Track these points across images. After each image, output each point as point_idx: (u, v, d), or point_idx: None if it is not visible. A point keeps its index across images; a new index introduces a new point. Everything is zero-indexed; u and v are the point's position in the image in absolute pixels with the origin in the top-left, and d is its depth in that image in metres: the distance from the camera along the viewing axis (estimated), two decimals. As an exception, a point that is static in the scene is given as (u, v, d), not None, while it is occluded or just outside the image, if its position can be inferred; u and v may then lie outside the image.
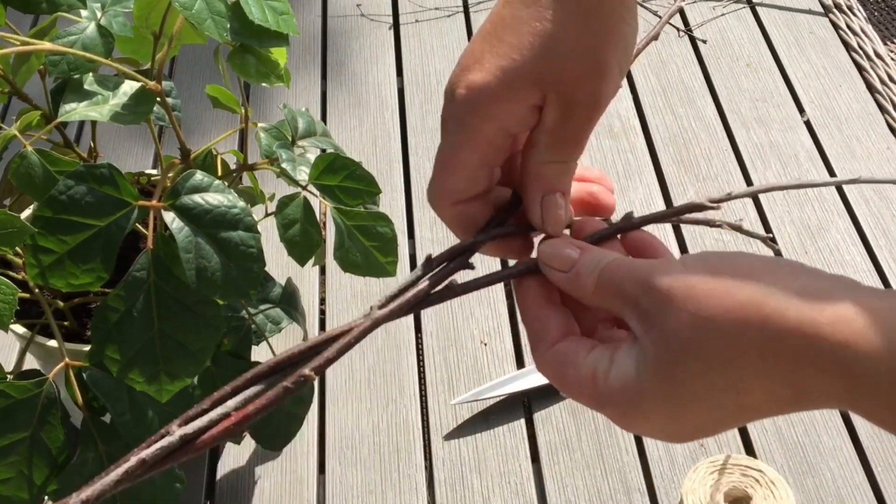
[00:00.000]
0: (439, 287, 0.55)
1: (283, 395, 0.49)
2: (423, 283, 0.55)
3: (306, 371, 0.49)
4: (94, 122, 0.98)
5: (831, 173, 1.39)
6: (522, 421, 1.11)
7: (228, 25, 0.83)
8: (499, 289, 1.25)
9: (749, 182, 1.38)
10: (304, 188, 0.88)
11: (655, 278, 0.50)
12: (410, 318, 1.22)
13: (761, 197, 1.36)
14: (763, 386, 0.47)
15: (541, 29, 0.52)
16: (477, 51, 0.54)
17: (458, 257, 0.57)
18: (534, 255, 0.57)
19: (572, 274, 0.54)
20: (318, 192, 0.88)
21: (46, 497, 0.82)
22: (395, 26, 1.67)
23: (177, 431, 0.47)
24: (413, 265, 1.28)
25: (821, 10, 1.67)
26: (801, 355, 0.45)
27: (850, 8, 1.65)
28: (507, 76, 0.53)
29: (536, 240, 0.58)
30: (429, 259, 0.56)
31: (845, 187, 1.37)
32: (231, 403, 0.49)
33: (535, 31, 0.52)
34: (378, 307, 0.54)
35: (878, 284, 1.25)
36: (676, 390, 0.49)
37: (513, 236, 0.58)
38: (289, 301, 1.01)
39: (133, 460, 0.46)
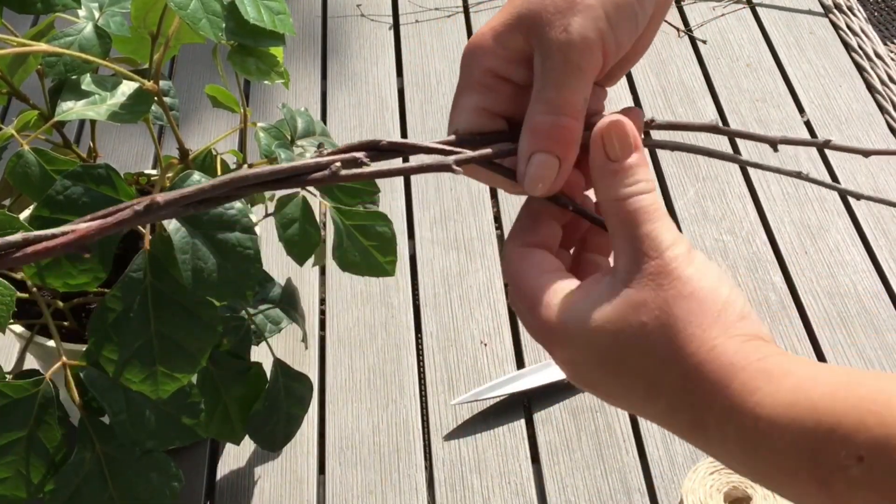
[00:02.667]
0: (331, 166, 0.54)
1: (133, 217, 0.50)
2: (306, 162, 0.54)
3: (155, 196, 0.50)
4: (93, 123, 0.98)
5: (831, 173, 1.39)
6: (522, 421, 1.11)
7: (224, 25, 0.83)
8: (499, 289, 1.25)
9: (749, 182, 1.38)
10: (303, 188, 0.88)
11: (675, 251, 0.51)
12: (411, 318, 1.22)
13: (761, 197, 1.36)
14: (670, 397, 0.49)
15: None
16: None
17: (362, 150, 0.55)
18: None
19: (617, 166, 0.53)
20: (316, 192, 0.88)
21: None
22: (395, 26, 1.67)
23: (20, 234, 0.49)
24: (413, 265, 1.28)
25: (821, 10, 1.66)
26: (711, 392, 0.48)
27: (850, 8, 1.65)
28: (494, 24, 0.56)
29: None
30: (320, 146, 0.55)
31: (846, 188, 1.36)
32: (83, 226, 0.50)
33: None
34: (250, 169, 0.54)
35: (878, 284, 1.24)
36: (611, 347, 0.50)
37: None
38: (288, 301, 1.01)
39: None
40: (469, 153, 0.56)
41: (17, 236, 0.48)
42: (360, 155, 0.54)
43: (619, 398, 0.52)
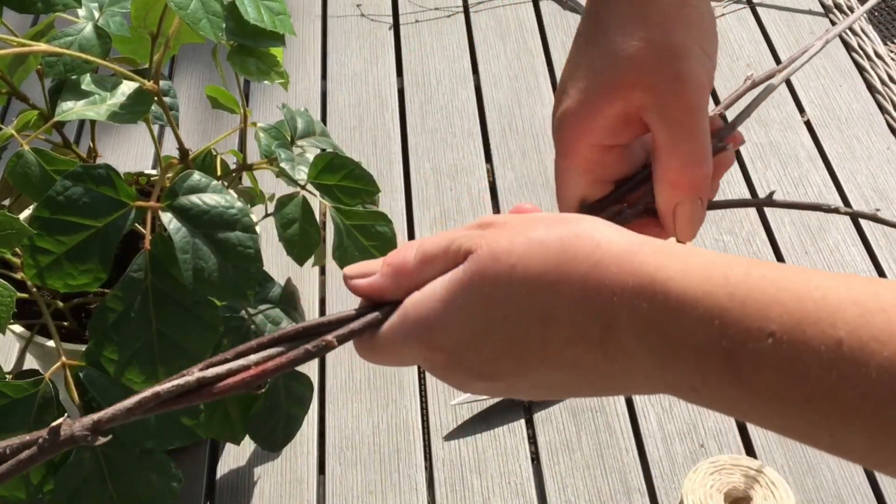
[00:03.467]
0: None
1: (304, 357, 0.50)
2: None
3: (329, 337, 0.50)
4: (93, 123, 0.98)
5: (831, 173, 1.39)
6: (522, 421, 1.11)
7: (224, 25, 0.83)
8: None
9: (749, 182, 1.38)
10: (303, 187, 0.88)
11: (497, 217, 0.50)
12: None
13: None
14: (574, 317, 0.46)
15: (607, 42, 0.55)
16: (562, 85, 0.57)
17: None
18: None
19: (384, 267, 0.52)
20: (316, 192, 0.88)
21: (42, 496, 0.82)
22: (395, 26, 1.67)
23: (196, 373, 0.48)
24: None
25: (821, 10, 1.66)
26: (620, 281, 0.45)
27: (850, 8, 1.65)
28: (585, 96, 0.55)
29: None
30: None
31: (846, 188, 1.37)
32: (253, 357, 0.49)
33: (602, 46, 0.55)
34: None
35: (879, 284, 1.24)
36: (487, 310, 0.48)
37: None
38: (288, 301, 1.01)
39: (148, 392, 0.47)
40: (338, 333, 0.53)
41: (193, 378, 0.48)
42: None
43: (515, 366, 0.48)
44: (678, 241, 0.56)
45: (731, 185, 1.38)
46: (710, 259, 0.44)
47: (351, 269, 0.53)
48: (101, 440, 0.46)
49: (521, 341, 0.47)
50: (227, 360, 0.49)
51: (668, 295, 0.44)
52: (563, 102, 0.56)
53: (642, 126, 0.56)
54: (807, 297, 0.41)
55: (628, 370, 0.46)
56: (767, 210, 1.34)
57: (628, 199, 0.58)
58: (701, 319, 0.43)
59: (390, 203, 1.36)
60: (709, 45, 0.55)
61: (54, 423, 0.46)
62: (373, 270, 0.53)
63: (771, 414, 0.43)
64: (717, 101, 1.51)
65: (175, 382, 0.47)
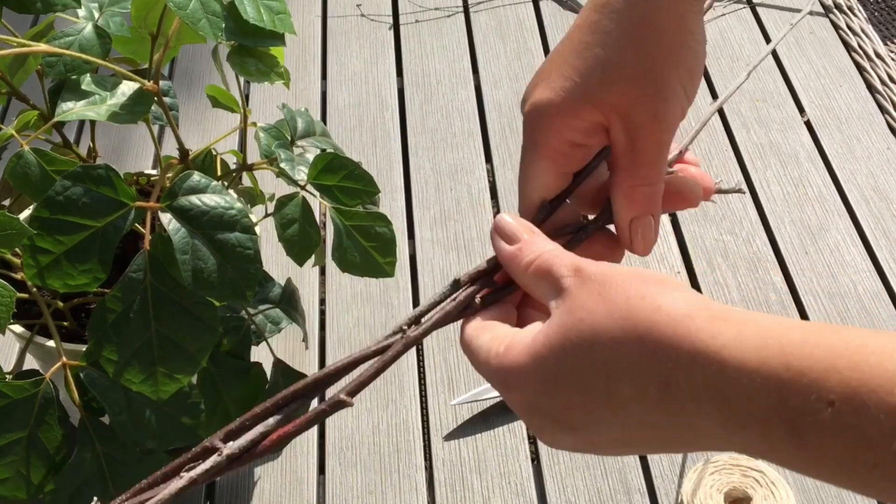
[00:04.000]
0: (465, 306, 0.56)
1: (321, 416, 0.52)
2: (450, 305, 0.56)
3: (342, 396, 0.52)
4: (93, 123, 0.98)
5: (831, 173, 1.39)
6: (522, 421, 1.11)
7: (224, 25, 0.83)
8: (499, 289, 1.25)
9: (750, 183, 1.38)
10: (303, 188, 0.88)
11: (586, 264, 0.52)
12: (410, 318, 1.22)
13: (761, 198, 1.36)
14: (633, 376, 0.48)
15: (602, 55, 0.56)
16: (546, 70, 0.58)
17: (483, 277, 0.57)
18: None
19: (515, 248, 0.56)
20: (316, 192, 0.88)
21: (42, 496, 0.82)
22: (395, 26, 1.67)
23: (224, 451, 0.49)
24: (413, 265, 1.28)
25: (821, 10, 1.66)
26: (675, 347, 0.46)
27: (850, 8, 1.65)
28: (568, 95, 0.57)
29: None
30: (456, 282, 0.57)
31: (846, 188, 1.37)
32: (271, 422, 0.51)
33: (596, 57, 0.56)
34: (407, 325, 0.55)
35: (878, 284, 1.24)
36: (558, 361, 0.50)
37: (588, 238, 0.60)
38: (288, 301, 1.01)
39: (185, 479, 0.48)
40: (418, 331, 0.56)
41: (223, 458, 0.49)
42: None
43: (584, 418, 0.51)
44: (636, 253, 0.59)
45: (732, 185, 1.38)
46: (766, 327, 0.45)
47: (507, 225, 0.57)
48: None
49: (589, 392, 0.49)
50: (246, 426, 0.51)
51: (723, 364, 0.45)
52: (542, 92, 0.58)
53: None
54: (863, 363, 0.42)
55: (695, 432, 0.48)
56: (767, 210, 1.34)
57: (582, 190, 0.60)
58: (759, 390, 0.44)
59: (390, 203, 1.36)
60: (691, 87, 0.57)
61: None
62: (514, 240, 0.57)
63: (842, 478, 0.44)
64: (714, 95, 1.51)
65: (208, 465, 0.49)
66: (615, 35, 0.56)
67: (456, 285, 0.56)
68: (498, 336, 0.54)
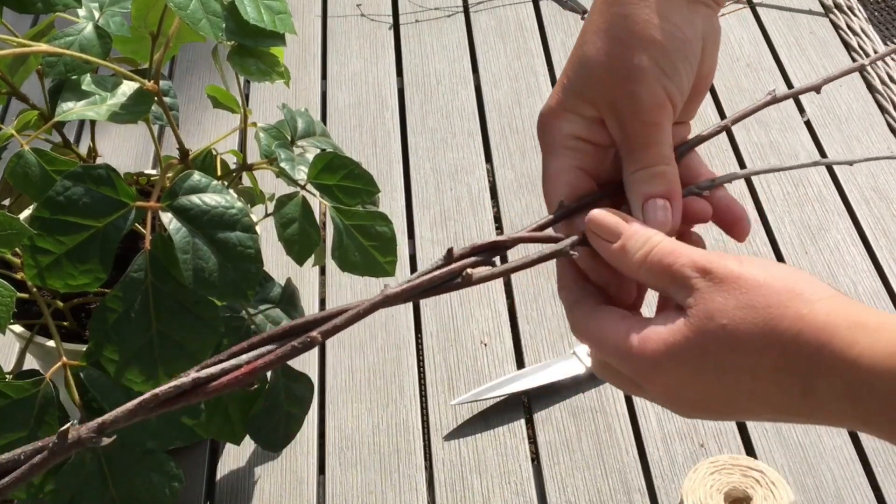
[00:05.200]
0: (454, 276, 0.57)
1: (291, 353, 0.52)
2: (439, 272, 0.56)
3: (314, 333, 0.52)
4: (93, 123, 0.98)
5: (831, 173, 1.39)
6: (522, 421, 1.11)
7: (224, 25, 0.83)
8: (499, 289, 1.25)
9: (749, 182, 1.38)
10: (303, 187, 0.88)
11: (714, 265, 0.54)
12: (411, 318, 1.22)
13: (761, 197, 1.36)
14: (776, 378, 0.51)
15: (583, 53, 0.60)
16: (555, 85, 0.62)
17: (481, 253, 0.58)
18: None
19: (619, 245, 0.57)
20: (316, 192, 0.88)
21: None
22: (395, 26, 1.67)
23: (191, 374, 0.51)
24: (413, 265, 1.28)
25: (821, 10, 1.66)
26: (815, 355, 0.50)
27: (850, 8, 1.65)
28: (563, 96, 0.60)
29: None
30: (449, 252, 0.57)
31: (846, 188, 1.37)
32: (244, 357, 0.52)
33: (580, 55, 0.60)
34: (392, 287, 0.56)
35: (878, 284, 1.24)
36: (703, 358, 0.53)
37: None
38: (288, 301, 1.01)
39: (147, 394, 0.50)
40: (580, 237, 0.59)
41: (188, 380, 0.50)
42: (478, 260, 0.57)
43: (726, 405, 0.54)
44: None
45: (731, 184, 1.37)
46: (893, 327, 0.49)
47: (602, 220, 0.58)
48: (107, 441, 0.49)
49: (732, 387, 0.53)
50: (220, 361, 0.52)
51: (859, 371, 0.49)
52: (546, 102, 0.61)
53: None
54: None
55: (831, 420, 0.52)
56: (767, 210, 1.34)
57: (603, 201, 0.61)
58: (891, 393, 0.48)
59: (390, 203, 1.36)
60: (669, 65, 0.58)
61: (62, 429, 0.48)
62: (616, 236, 0.58)
63: None
64: (715, 99, 1.51)
65: (172, 384, 0.50)
66: (592, 31, 0.59)
67: (449, 256, 0.57)
68: (625, 323, 0.56)
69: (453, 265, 0.57)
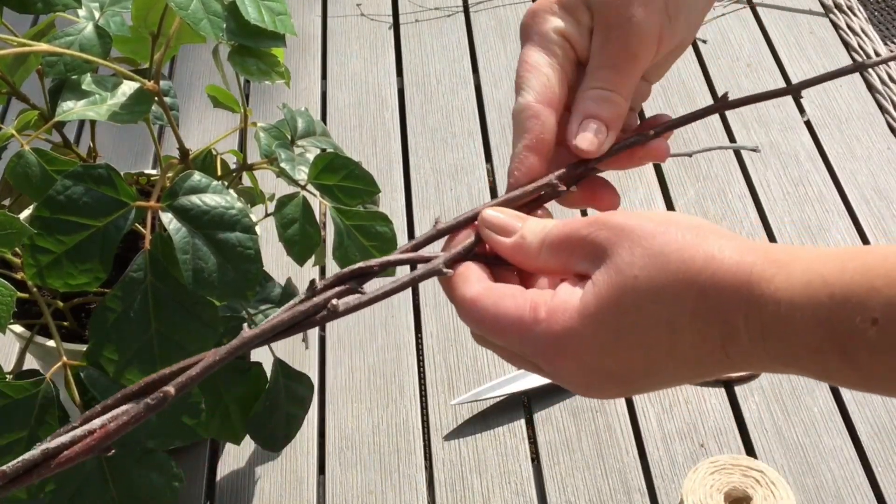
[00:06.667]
0: (320, 310, 0.55)
1: (145, 411, 0.51)
2: (302, 306, 0.55)
3: (168, 388, 0.51)
4: (93, 123, 0.98)
5: (831, 173, 1.39)
6: (522, 421, 1.11)
7: (224, 25, 0.83)
8: (499, 289, 1.24)
9: (750, 182, 1.38)
10: (303, 188, 0.88)
11: (611, 217, 0.53)
12: (411, 318, 1.22)
13: (761, 197, 1.36)
14: (695, 325, 0.50)
15: None
16: None
17: (348, 281, 0.56)
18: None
19: (517, 237, 0.57)
20: (317, 192, 0.88)
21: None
22: (395, 26, 1.67)
23: (39, 447, 0.49)
24: (413, 265, 1.28)
25: (821, 10, 1.66)
26: (734, 293, 0.49)
27: (850, 8, 1.65)
28: None
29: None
30: (312, 284, 0.55)
31: (846, 188, 1.37)
32: (97, 422, 0.51)
33: None
34: (250, 329, 0.54)
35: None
36: (617, 319, 0.51)
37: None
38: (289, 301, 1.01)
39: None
40: (452, 253, 0.58)
41: (37, 452, 0.49)
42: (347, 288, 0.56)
43: (645, 371, 0.52)
44: (580, 152, 0.60)
45: (731, 184, 1.38)
46: (809, 262, 0.48)
47: (493, 217, 0.58)
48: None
49: (651, 347, 0.51)
50: (73, 428, 0.50)
51: (778, 304, 0.48)
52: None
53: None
54: None
55: (752, 366, 0.50)
56: (767, 210, 1.34)
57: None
58: (810, 321, 0.47)
59: (390, 203, 1.36)
60: (675, 9, 0.60)
61: None
62: (511, 231, 0.57)
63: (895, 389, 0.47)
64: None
65: (21, 458, 0.48)
66: None
67: (312, 289, 0.55)
68: (524, 300, 0.54)
69: (317, 298, 0.55)
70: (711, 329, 0.49)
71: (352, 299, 0.56)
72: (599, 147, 0.60)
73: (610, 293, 0.51)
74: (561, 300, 0.53)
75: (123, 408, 0.51)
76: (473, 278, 0.57)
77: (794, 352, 0.48)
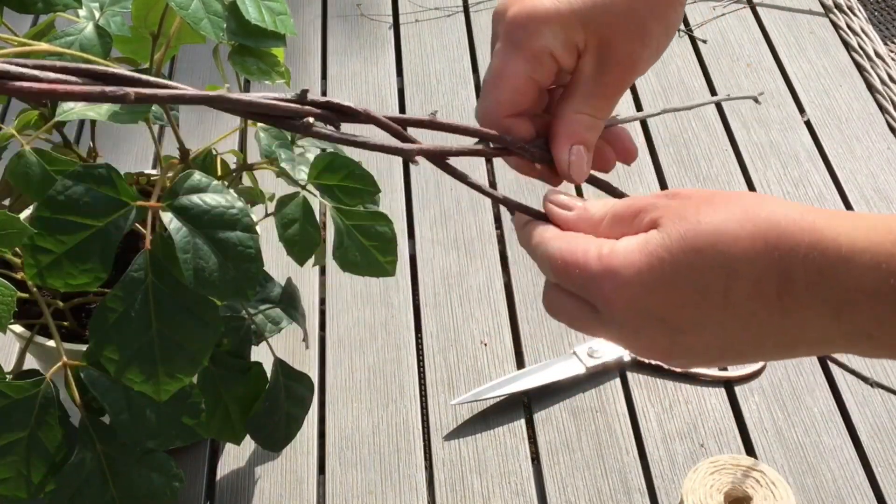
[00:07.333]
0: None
1: (99, 97, 0.49)
2: (284, 104, 0.54)
3: (129, 89, 0.50)
4: (93, 122, 0.98)
5: (831, 173, 1.39)
6: (522, 421, 1.11)
7: (225, 25, 0.83)
8: (499, 289, 1.25)
9: (750, 182, 1.38)
10: (304, 188, 0.88)
11: (677, 190, 0.55)
12: (411, 318, 1.22)
13: (761, 197, 1.36)
14: (753, 272, 0.50)
15: None
16: None
17: (335, 111, 0.57)
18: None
19: (580, 209, 0.58)
20: (317, 192, 0.88)
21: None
22: (395, 26, 1.67)
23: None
24: (413, 265, 1.28)
25: (821, 10, 1.66)
26: (796, 232, 0.50)
27: (850, 8, 1.65)
28: (564, 6, 0.59)
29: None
30: (304, 92, 0.55)
31: (846, 188, 1.37)
32: (51, 75, 0.48)
33: None
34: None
35: (879, 284, 1.24)
36: (676, 259, 0.52)
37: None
38: (289, 301, 1.01)
39: None
40: (428, 147, 0.59)
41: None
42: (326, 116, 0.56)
43: (696, 324, 0.53)
44: (571, 180, 0.62)
45: (731, 184, 1.38)
46: (875, 217, 0.49)
47: (558, 196, 0.60)
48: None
49: (705, 291, 0.52)
50: (27, 67, 0.48)
51: (839, 247, 0.49)
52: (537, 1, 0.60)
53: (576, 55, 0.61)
54: None
55: (803, 324, 0.51)
56: (767, 210, 1.34)
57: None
58: (869, 266, 0.48)
59: (390, 203, 1.36)
60: (665, 43, 0.61)
61: None
62: (570, 206, 0.58)
63: None
64: (714, 95, 1.51)
65: None
66: None
67: (303, 97, 0.54)
68: (591, 241, 0.55)
69: (304, 107, 0.54)
70: (768, 277, 0.50)
71: (326, 130, 0.56)
72: (587, 172, 0.62)
73: (672, 234, 0.52)
74: (626, 240, 0.54)
75: (84, 84, 0.49)
76: (550, 227, 0.59)
77: (850, 297, 0.48)
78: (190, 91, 0.50)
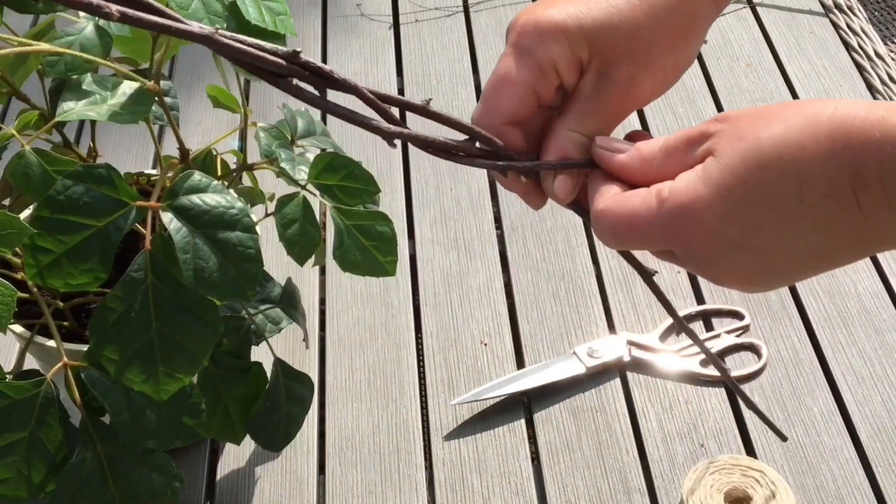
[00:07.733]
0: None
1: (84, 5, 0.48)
2: (272, 57, 0.54)
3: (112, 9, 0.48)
4: (93, 123, 0.98)
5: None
6: (522, 421, 1.11)
7: (225, 25, 0.83)
8: (499, 289, 1.25)
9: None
10: (304, 187, 0.88)
11: (727, 113, 0.53)
12: (411, 318, 1.22)
13: (761, 197, 1.36)
14: (825, 175, 0.49)
15: (615, 3, 0.58)
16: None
17: (322, 77, 0.56)
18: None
19: (632, 150, 0.57)
20: (317, 192, 0.88)
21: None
22: (395, 26, 1.67)
23: None
24: (413, 265, 1.28)
25: (821, 10, 1.66)
26: (867, 129, 0.48)
27: (850, 8, 1.65)
28: (572, 20, 0.58)
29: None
30: (296, 52, 0.55)
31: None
32: None
33: (611, 3, 0.58)
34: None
35: (879, 284, 1.24)
36: (742, 181, 0.51)
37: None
38: (289, 301, 1.01)
39: None
40: (409, 132, 0.58)
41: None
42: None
43: (777, 239, 0.51)
44: (557, 199, 0.61)
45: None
46: None
47: (603, 139, 0.58)
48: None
49: (779, 204, 0.50)
50: None
51: None
52: (545, 9, 0.59)
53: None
54: None
55: (878, 223, 0.49)
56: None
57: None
58: None
59: (390, 203, 1.36)
60: (672, 79, 0.60)
61: None
62: (621, 149, 0.57)
63: None
64: (715, 98, 1.51)
65: None
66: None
67: (295, 57, 0.55)
68: (647, 192, 0.54)
69: (292, 65, 0.54)
70: (842, 175, 0.49)
71: (310, 94, 0.56)
72: (574, 192, 0.60)
73: (733, 157, 0.51)
74: (684, 177, 0.53)
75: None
76: (607, 194, 0.57)
77: None
78: (178, 24, 0.49)
